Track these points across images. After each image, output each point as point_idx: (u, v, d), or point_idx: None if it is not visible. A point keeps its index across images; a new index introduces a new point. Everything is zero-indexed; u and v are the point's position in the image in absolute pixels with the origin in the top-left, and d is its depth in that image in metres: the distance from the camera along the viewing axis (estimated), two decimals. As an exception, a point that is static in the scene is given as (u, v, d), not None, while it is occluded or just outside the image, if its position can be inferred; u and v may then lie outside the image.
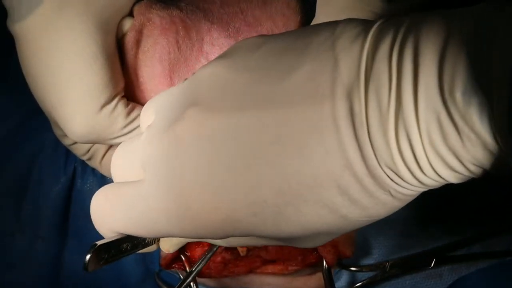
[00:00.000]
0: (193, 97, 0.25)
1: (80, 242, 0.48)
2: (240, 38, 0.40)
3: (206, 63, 0.39)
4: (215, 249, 0.38)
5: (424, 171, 0.22)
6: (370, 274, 0.44)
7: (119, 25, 0.39)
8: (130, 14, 0.39)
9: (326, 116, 0.22)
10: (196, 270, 0.38)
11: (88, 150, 0.42)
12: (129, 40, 0.39)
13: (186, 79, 0.27)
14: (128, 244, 0.27)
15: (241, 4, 0.40)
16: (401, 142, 0.21)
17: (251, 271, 0.42)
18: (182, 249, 0.40)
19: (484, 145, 0.20)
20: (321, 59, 0.23)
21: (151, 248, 0.29)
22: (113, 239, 0.27)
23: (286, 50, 0.24)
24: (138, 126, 0.38)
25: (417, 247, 0.44)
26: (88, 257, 0.26)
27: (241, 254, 0.40)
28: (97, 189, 0.47)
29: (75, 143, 0.41)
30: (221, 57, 0.26)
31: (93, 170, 0.47)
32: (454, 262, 0.43)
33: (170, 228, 0.26)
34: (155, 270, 0.48)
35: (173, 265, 0.41)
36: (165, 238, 0.35)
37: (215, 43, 0.39)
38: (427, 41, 0.21)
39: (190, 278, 0.38)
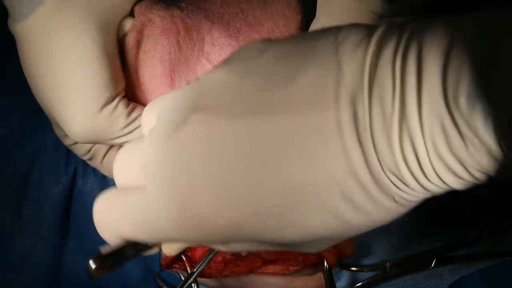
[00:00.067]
0: (197, 102, 0.25)
1: (80, 242, 0.48)
2: (240, 38, 0.40)
3: (206, 63, 0.40)
4: (216, 249, 0.38)
5: (428, 177, 0.22)
6: (371, 274, 0.44)
7: (120, 25, 0.39)
8: (131, 14, 0.39)
9: (330, 121, 0.22)
10: (197, 271, 0.38)
11: (89, 150, 0.42)
12: (130, 40, 0.39)
13: (189, 83, 0.27)
14: (131, 249, 0.27)
15: (241, 4, 0.40)
16: (405, 148, 0.21)
17: (251, 271, 0.42)
18: (183, 249, 0.40)
19: (489, 151, 0.20)
20: (324, 64, 0.23)
21: (153, 251, 0.29)
22: (117, 246, 0.27)
23: (290, 55, 0.24)
24: (139, 126, 0.38)
25: (417, 247, 0.44)
26: (93, 265, 0.26)
27: (242, 254, 0.40)
28: (98, 189, 0.48)
29: (76, 143, 0.41)
30: (225, 62, 0.26)
31: (94, 170, 0.47)
32: (454, 262, 0.43)
33: (174, 233, 0.26)
34: (156, 270, 0.48)
35: (173, 265, 0.41)
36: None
37: (216, 43, 0.39)
38: (431, 46, 0.21)
39: (191, 279, 0.38)
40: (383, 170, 0.22)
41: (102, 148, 0.42)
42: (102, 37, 0.36)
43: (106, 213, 0.28)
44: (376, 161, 0.22)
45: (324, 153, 0.22)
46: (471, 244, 0.43)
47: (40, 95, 0.37)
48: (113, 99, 0.37)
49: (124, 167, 0.29)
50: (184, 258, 0.40)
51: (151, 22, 0.39)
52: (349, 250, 0.42)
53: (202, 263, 0.38)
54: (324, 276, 0.42)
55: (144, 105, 0.40)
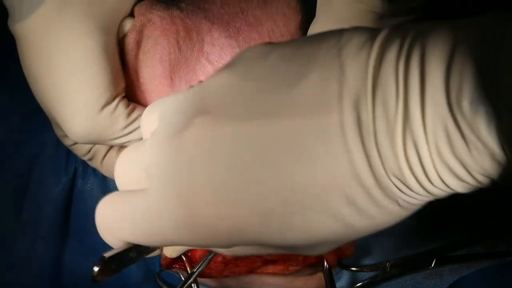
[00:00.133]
0: (201, 105, 0.25)
1: (80, 242, 0.48)
2: (240, 38, 0.40)
3: (206, 63, 0.40)
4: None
5: (432, 181, 0.22)
6: (371, 274, 0.44)
7: (120, 25, 0.39)
8: (131, 14, 0.39)
9: (334, 125, 0.22)
10: (197, 271, 0.38)
11: (89, 151, 0.42)
12: (130, 40, 0.39)
13: (191, 85, 0.27)
14: (134, 252, 0.27)
15: (241, 4, 0.40)
16: (409, 152, 0.21)
17: (251, 271, 0.42)
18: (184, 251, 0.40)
19: (492, 155, 0.20)
20: (327, 67, 0.23)
21: (155, 252, 0.29)
22: (121, 250, 0.27)
23: (292, 58, 0.24)
24: (139, 127, 0.38)
25: (417, 247, 0.44)
26: (97, 269, 0.26)
27: (242, 254, 0.40)
28: (98, 189, 0.48)
29: (76, 143, 0.41)
30: (228, 65, 0.26)
31: (94, 170, 0.47)
32: (454, 262, 0.43)
33: (177, 237, 0.26)
34: (156, 271, 0.48)
35: (173, 266, 0.41)
36: (169, 244, 0.35)
37: (216, 43, 0.39)
38: (434, 49, 0.21)
39: (191, 279, 0.38)
40: (387, 174, 0.22)
41: (102, 149, 0.42)
42: (102, 37, 0.36)
43: (108, 217, 0.27)
44: (380, 165, 0.22)
45: (327, 156, 0.22)
46: (471, 244, 0.43)
47: (40, 95, 0.37)
48: (113, 100, 0.37)
49: (125, 169, 0.29)
50: (184, 258, 0.40)
51: (151, 23, 0.39)
52: (349, 250, 0.42)
53: (202, 264, 0.38)
54: (324, 276, 0.42)
55: (144, 105, 0.40)
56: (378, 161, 0.22)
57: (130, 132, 0.38)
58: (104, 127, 0.37)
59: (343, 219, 0.23)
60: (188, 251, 0.41)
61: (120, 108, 0.37)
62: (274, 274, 0.43)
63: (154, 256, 0.47)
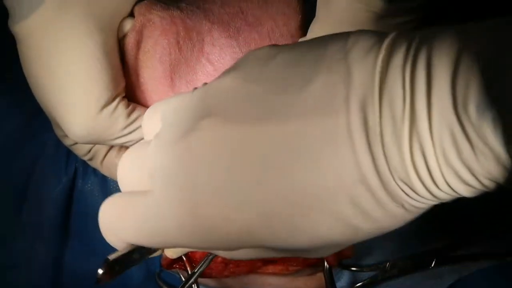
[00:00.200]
0: (207, 108, 0.25)
1: (81, 242, 0.48)
2: (240, 38, 0.40)
3: (206, 63, 0.40)
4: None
5: (438, 185, 0.22)
6: (371, 274, 0.45)
7: (120, 25, 0.38)
8: (131, 14, 0.39)
9: (341, 128, 0.22)
10: (198, 272, 0.38)
11: (89, 151, 0.42)
12: (130, 41, 0.39)
13: (195, 87, 0.27)
14: (137, 253, 0.27)
15: (241, 4, 0.40)
16: (415, 155, 0.21)
17: (252, 271, 0.42)
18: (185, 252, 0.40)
19: (498, 160, 0.20)
20: (334, 70, 0.23)
21: (157, 253, 0.29)
22: (124, 251, 0.27)
23: (299, 61, 0.24)
24: (139, 127, 0.38)
25: (417, 248, 0.44)
26: (101, 271, 0.26)
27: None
28: (98, 190, 0.48)
29: (76, 143, 0.41)
30: (233, 67, 0.26)
31: (94, 170, 0.47)
32: (454, 262, 0.43)
33: (182, 239, 0.26)
34: (156, 271, 0.48)
35: (174, 266, 0.41)
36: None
37: (216, 43, 0.39)
38: (441, 53, 0.21)
39: (192, 280, 0.38)
40: (393, 177, 0.22)
41: (102, 149, 0.42)
42: (102, 37, 0.36)
43: (112, 218, 0.27)
44: (386, 168, 0.22)
45: (333, 158, 0.22)
46: (471, 244, 0.43)
47: (40, 95, 0.37)
48: (113, 100, 0.37)
49: (128, 170, 0.29)
50: (184, 259, 0.40)
51: (151, 23, 0.39)
52: (350, 250, 0.42)
53: (203, 264, 0.38)
54: (324, 276, 0.42)
55: (144, 105, 0.40)
56: (384, 164, 0.22)
57: (130, 132, 0.38)
58: (104, 127, 0.37)
59: (349, 222, 0.23)
60: (188, 251, 0.41)
61: (120, 108, 0.37)
62: (274, 274, 0.43)
63: (155, 257, 0.47)
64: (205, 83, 0.27)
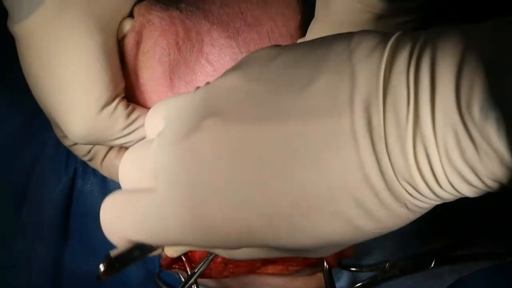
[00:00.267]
0: (208, 107, 0.25)
1: (81, 242, 0.48)
2: (240, 38, 0.40)
3: (206, 64, 0.40)
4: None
5: (442, 185, 0.22)
6: (371, 274, 0.45)
7: (120, 26, 0.38)
8: (131, 15, 0.39)
9: (345, 129, 0.22)
10: (198, 272, 0.38)
11: (89, 151, 0.42)
12: (129, 41, 0.39)
13: (198, 87, 0.27)
14: (138, 251, 0.27)
15: (241, 4, 0.40)
16: (419, 156, 0.21)
17: (251, 271, 0.42)
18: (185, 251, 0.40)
19: (501, 160, 0.20)
20: (338, 70, 0.23)
21: (157, 252, 0.29)
22: (126, 249, 0.27)
23: (302, 61, 0.24)
24: (139, 127, 0.38)
25: (418, 248, 0.44)
26: (102, 268, 0.26)
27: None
28: (97, 190, 0.48)
29: (75, 144, 0.41)
30: (236, 67, 0.26)
31: (94, 170, 0.47)
32: (454, 262, 0.43)
33: (183, 238, 0.26)
34: (155, 271, 0.48)
35: (173, 266, 0.41)
36: (172, 244, 0.35)
37: (215, 44, 0.39)
38: (444, 54, 0.21)
39: (192, 280, 0.38)
40: (397, 177, 0.22)
41: (102, 149, 0.42)
42: (102, 37, 0.36)
43: (113, 216, 0.27)
44: (390, 169, 0.22)
45: (337, 159, 0.22)
46: (471, 245, 0.43)
47: (39, 95, 0.37)
48: (112, 100, 0.37)
49: (130, 170, 0.29)
50: (183, 259, 0.40)
51: (150, 23, 0.39)
52: (350, 250, 0.42)
53: (203, 264, 0.38)
54: (324, 276, 0.42)
55: (143, 106, 0.40)
56: (388, 165, 0.22)
57: (129, 133, 0.38)
58: (104, 127, 0.37)
59: (351, 222, 0.23)
60: (188, 251, 0.41)
61: (119, 109, 0.37)
62: (274, 274, 0.43)
63: (154, 257, 0.47)
64: (208, 83, 0.27)
